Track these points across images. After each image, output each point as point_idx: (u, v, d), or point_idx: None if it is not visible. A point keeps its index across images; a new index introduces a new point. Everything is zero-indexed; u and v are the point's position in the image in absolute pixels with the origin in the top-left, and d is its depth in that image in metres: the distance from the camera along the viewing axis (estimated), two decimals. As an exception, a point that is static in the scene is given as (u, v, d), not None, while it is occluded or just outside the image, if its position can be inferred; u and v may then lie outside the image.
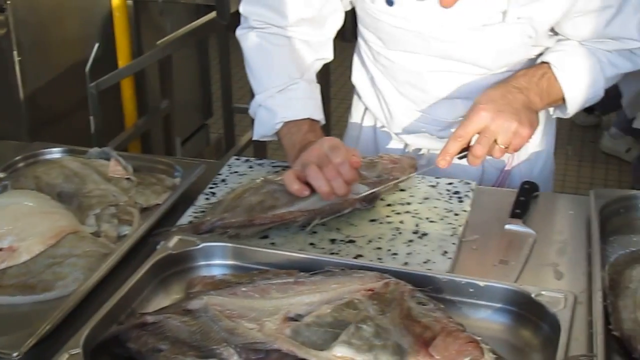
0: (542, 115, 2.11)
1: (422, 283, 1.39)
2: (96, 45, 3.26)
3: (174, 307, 1.38)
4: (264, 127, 1.98)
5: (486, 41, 1.87)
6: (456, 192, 1.84)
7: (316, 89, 2.02)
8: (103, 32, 3.82)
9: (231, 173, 1.95)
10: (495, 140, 1.70)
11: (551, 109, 2.00)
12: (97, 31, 3.79)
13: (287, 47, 2.01)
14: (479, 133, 1.70)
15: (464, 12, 1.81)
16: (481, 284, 1.42)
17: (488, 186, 2.04)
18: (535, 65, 1.90)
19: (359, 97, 2.23)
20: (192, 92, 4.70)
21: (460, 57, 1.92)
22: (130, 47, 3.90)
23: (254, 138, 2.03)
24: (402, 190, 1.83)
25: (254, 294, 1.37)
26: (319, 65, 2.07)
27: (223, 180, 1.91)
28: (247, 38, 2.03)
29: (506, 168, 2.12)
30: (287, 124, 1.92)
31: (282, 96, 1.95)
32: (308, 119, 1.92)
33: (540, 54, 1.95)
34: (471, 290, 1.42)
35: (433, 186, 1.86)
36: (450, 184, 1.87)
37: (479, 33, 1.85)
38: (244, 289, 1.38)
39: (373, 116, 2.21)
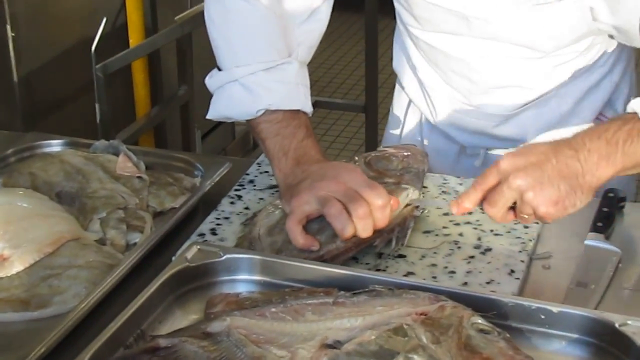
0: (620, 108, 2.08)
1: (484, 307, 1.39)
2: (104, 21, 3.30)
3: (191, 330, 1.39)
4: (237, 109, 1.84)
5: (539, 22, 1.83)
6: (526, 201, 1.83)
7: (306, 73, 1.91)
8: (112, 6, 3.86)
9: (260, 173, 1.95)
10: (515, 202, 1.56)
11: None
12: (106, 4, 3.82)
13: (272, 14, 1.87)
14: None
15: None
16: (554, 310, 1.41)
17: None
18: (614, 117, 1.64)
19: (402, 87, 2.22)
20: (214, 77, 4.72)
21: (509, 39, 1.88)
22: (143, 23, 3.94)
23: (210, 116, 1.89)
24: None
25: (286, 316, 1.38)
26: (309, 39, 1.94)
27: (251, 182, 1.92)
28: None
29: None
30: (270, 112, 1.80)
31: (268, 76, 1.82)
32: (299, 111, 1.83)
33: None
34: (542, 317, 1.41)
35: (499, 193, 1.86)
36: (519, 190, 1.86)
37: (530, 13, 1.81)
38: (273, 309, 1.39)
39: (418, 109, 2.21)
